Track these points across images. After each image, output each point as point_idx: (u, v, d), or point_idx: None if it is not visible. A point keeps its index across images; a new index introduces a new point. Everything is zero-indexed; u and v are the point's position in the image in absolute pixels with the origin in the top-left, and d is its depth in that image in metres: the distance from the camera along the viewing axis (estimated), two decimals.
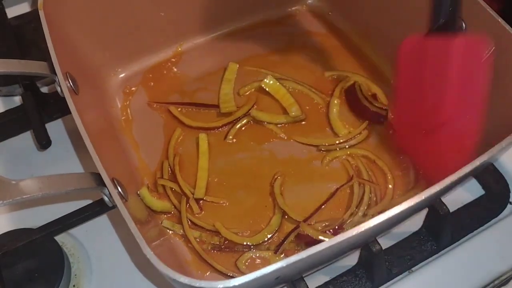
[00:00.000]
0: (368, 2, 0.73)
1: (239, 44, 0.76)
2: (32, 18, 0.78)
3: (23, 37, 0.75)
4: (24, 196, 0.45)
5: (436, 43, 0.53)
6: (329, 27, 0.79)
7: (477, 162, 0.46)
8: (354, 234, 0.41)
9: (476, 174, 0.58)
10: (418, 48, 0.55)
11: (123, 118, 0.70)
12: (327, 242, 0.40)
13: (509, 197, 0.63)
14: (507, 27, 0.54)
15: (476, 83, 0.53)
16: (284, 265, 0.39)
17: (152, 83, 0.73)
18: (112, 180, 0.47)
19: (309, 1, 0.81)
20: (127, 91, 0.72)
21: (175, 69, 0.74)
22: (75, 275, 0.58)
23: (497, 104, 0.57)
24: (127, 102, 0.71)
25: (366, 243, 0.52)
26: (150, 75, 0.74)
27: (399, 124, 0.63)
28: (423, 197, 0.43)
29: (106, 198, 0.49)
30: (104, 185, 0.46)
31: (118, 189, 0.48)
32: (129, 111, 0.70)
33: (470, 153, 0.50)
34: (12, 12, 0.78)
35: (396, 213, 0.43)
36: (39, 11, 0.57)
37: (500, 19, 0.55)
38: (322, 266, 0.55)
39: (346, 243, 0.42)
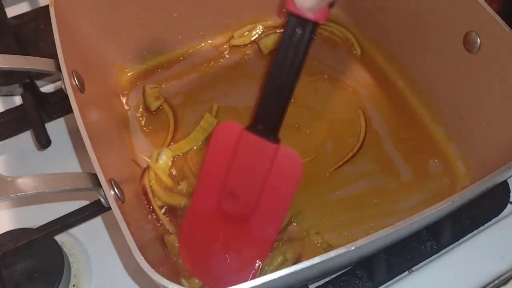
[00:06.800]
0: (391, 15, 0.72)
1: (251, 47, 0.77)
2: (32, 17, 0.78)
3: (22, 37, 0.75)
4: (19, 194, 0.45)
5: (252, 141, 0.53)
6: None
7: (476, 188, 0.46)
8: (352, 249, 0.40)
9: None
10: (233, 139, 0.54)
11: (128, 118, 0.69)
12: (319, 258, 0.40)
13: (509, 196, 0.63)
14: (507, 28, 0.54)
15: (281, 194, 0.54)
16: (276, 277, 0.39)
17: (160, 83, 0.73)
18: (109, 181, 0.47)
19: None
20: (134, 90, 0.72)
21: (184, 70, 0.74)
22: (75, 275, 0.58)
23: (500, 108, 0.57)
24: (134, 102, 0.71)
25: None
26: (159, 75, 0.73)
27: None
28: (433, 211, 0.43)
29: (102, 199, 0.49)
30: (100, 186, 0.46)
31: (114, 191, 0.47)
32: (135, 111, 0.70)
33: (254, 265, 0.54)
34: (12, 11, 0.78)
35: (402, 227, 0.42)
36: (50, 7, 0.56)
37: (500, 20, 0.55)
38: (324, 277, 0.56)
39: (344, 258, 0.42)
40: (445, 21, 0.62)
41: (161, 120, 0.69)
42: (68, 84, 0.51)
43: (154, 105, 0.70)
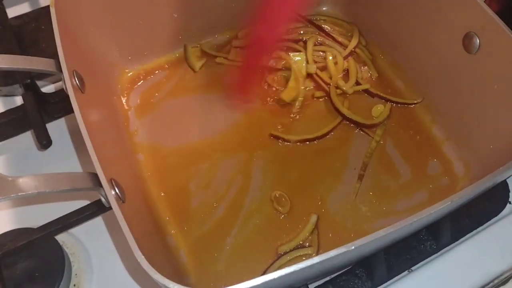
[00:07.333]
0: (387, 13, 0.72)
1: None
2: (32, 18, 0.78)
3: (23, 37, 0.76)
4: (19, 193, 0.45)
5: None
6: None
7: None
8: (353, 248, 0.40)
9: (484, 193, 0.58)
10: None
11: (129, 118, 0.69)
12: (319, 257, 0.40)
13: (508, 196, 0.63)
14: (506, 29, 0.54)
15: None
16: (276, 277, 0.39)
17: (161, 84, 0.73)
18: (110, 181, 0.47)
19: (324, 8, 0.81)
20: (135, 90, 0.72)
21: (185, 70, 0.74)
22: (76, 274, 0.58)
23: (500, 108, 0.57)
24: (134, 102, 0.71)
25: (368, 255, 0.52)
26: (160, 76, 0.73)
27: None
28: (434, 210, 0.43)
29: (103, 199, 0.49)
30: (101, 185, 0.46)
31: (115, 190, 0.47)
32: (135, 111, 0.70)
33: None
34: (12, 12, 0.78)
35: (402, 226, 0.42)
36: (50, 8, 0.56)
37: (499, 20, 0.55)
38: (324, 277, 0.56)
39: (343, 257, 0.42)
40: (445, 21, 0.62)
41: (162, 120, 0.70)
42: (69, 84, 0.51)
43: (197, 64, 0.73)
